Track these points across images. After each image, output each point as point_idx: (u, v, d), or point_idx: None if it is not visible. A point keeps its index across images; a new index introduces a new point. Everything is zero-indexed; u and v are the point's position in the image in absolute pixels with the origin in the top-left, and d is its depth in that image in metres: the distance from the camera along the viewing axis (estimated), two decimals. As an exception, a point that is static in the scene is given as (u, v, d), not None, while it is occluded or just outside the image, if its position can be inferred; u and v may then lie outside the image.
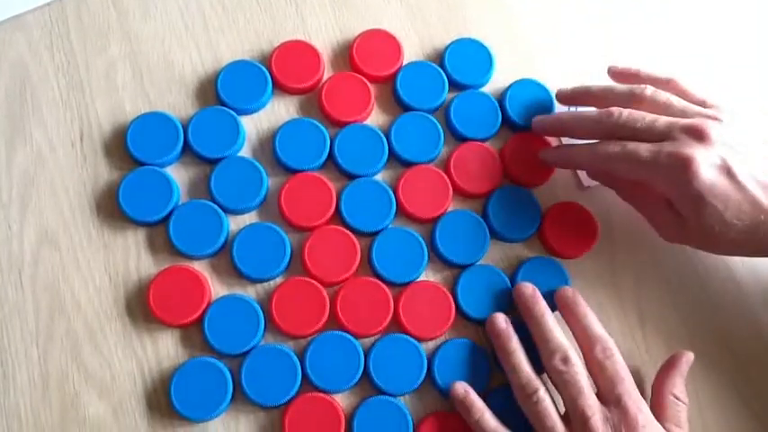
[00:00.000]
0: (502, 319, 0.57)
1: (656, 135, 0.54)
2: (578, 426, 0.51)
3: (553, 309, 0.59)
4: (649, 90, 0.57)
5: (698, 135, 0.52)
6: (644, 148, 0.53)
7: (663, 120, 0.54)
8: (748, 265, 0.63)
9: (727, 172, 0.52)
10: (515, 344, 0.55)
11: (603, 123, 0.56)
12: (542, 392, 0.53)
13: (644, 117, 0.55)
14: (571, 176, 0.65)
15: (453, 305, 0.58)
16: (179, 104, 0.63)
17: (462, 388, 0.55)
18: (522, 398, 0.53)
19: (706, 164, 0.52)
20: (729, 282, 0.62)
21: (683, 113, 0.55)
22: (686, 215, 0.54)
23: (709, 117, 0.54)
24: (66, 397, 0.55)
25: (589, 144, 0.58)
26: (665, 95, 0.57)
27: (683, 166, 0.52)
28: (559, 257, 0.61)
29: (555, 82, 0.66)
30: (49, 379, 0.55)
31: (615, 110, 0.56)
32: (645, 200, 0.59)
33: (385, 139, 0.62)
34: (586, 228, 0.62)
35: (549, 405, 0.52)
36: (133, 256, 0.59)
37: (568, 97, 0.63)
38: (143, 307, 0.57)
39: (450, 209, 0.62)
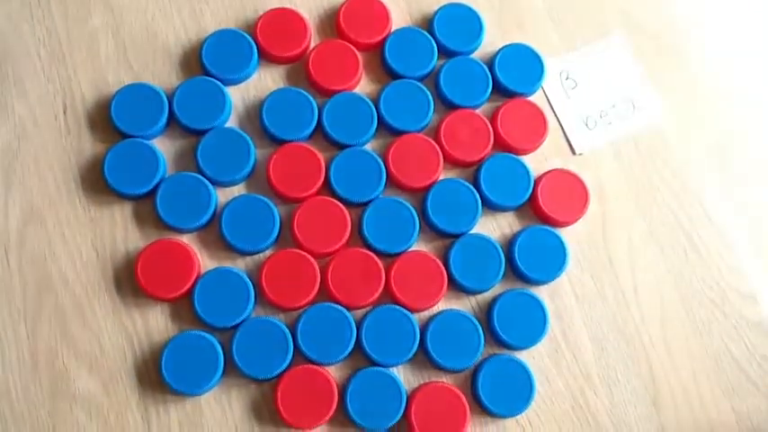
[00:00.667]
0: None
1: None
2: None
3: (543, 281, 0.59)
4: None
5: None
6: None
7: None
8: (741, 226, 0.62)
9: None
10: None
11: None
12: None
13: None
14: (563, 143, 0.64)
15: (446, 275, 0.58)
16: (163, 75, 0.62)
17: None
18: None
19: None
20: (722, 246, 0.62)
21: None
22: None
23: None
24: (56, 373, 0.54)
25: None
26: None
27: None
28: (552, 225, 0.60)
29: (545, 46, 0.65)
30: (38, 355, 0.54)
31: None
32: None
33: (374, 108, 0.61)
34: (578, 194, 0.61)
35: None
36: (120, 230, 0.58)
37: None
38: (131, 281, 0.56)
39: (441, 178, 0.61)
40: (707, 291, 0.61)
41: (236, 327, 0.55)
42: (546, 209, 0.60)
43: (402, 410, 0.54)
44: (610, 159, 0.64)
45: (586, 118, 0.65)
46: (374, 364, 0.56)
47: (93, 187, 0.59)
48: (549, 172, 0.62)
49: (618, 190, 0.63)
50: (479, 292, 0.59)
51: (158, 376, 0.54)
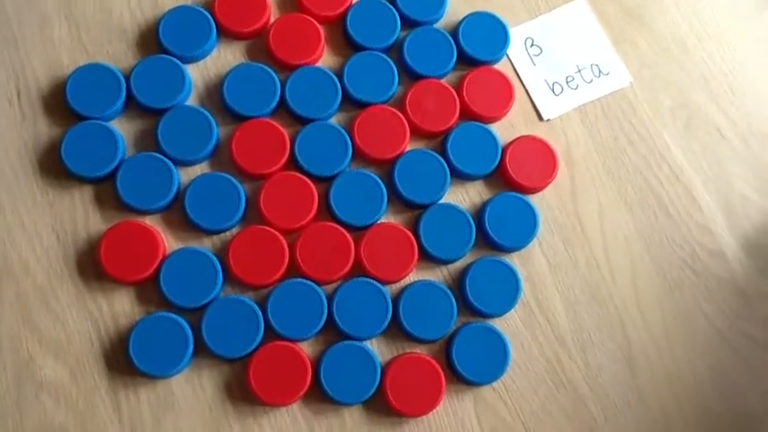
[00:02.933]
0: None
1: None
2: None
3: (515, 248, 0.58)
4: None
5: None
6: None
7: None
8: (707, 185, 0.63)
9: None
10: None
11: None
12: None
13: None
14: (530, 109, 0.63)
15: (416, 246, 0.57)
16: (119, 55, 0.60)
17: None
18: None
19: None
20: (691, 205, 0.62)
21: None
22: None
23: None
24: (21, 361, 0.53)
25: None
26: None
27: None
28: (521, 192, 0.60)
29: (509, 14, 0.65)
30: (1, 344, 0.53)
31: None
32: None
33: (338, 81, 0.60)
34: (547, 160, 0.61)
35: None
36: (81, 213, 0.56)
37: None
38: (95, 265, 0.55)
39: (408, 149, 0.60)
40: (677, 250, 0.61)
41: (204, 307, 0.54)
42: (515, 176, 0.60)
43: (377, 383, 0.54)
44: (577, 124, 0.63)
45: (552, 84, 0.65)
46: (347, 337, 0.55)
47: (52, 172, 0.57)
48: (517, 139, 0.61)
49: (586, 154, 0.62)
50: (451, 262, 0.58)
51: (127, 360, 0.53)
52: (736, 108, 0.65)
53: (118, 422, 0.53)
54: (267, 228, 0.56)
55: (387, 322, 0.55)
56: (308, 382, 0.53)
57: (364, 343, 0.55)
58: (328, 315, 0.55)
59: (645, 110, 0.64)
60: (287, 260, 0.55)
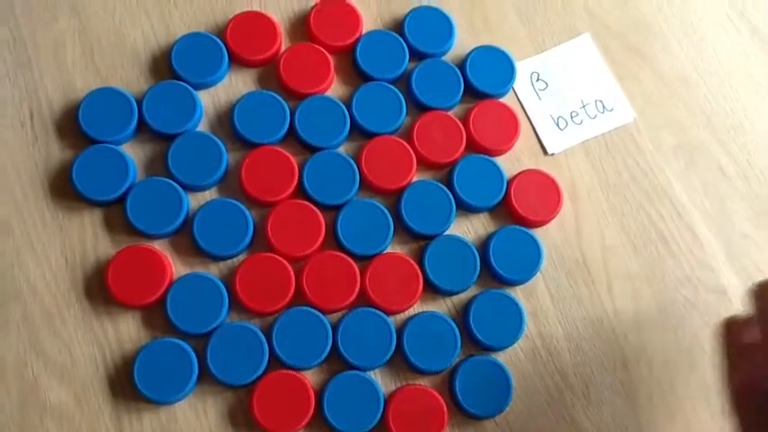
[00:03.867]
0: None
1: None
2: None
3: (519, 281, 0.59)
4: None
5: None
6: None
7: None
8: (709, 222, 0.63)
9: None
10: None
11: None
12: None
13: None
14: (535, 143, 0.64)
15: (421, 277, 0.58)
16: (132, 80, 0.61)
17: None
18: None
19: None
20: (693, 242, 0.63)
21: None
22: None
23: None
24: (25, 384, 0.53)
25: None
26: None
27: None
28: (526, 225, 0.61)
29: (516, 48, 0.66)
30: (6, 366, 0.53)
31: None
32: None
33: (346, 111, 0.61)
34: (551, 194, 0.61)
35: None
36: (90, 236, 0.57)
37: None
38: (102, 289, 0.55)
39: (414, 179, 0.61)
40: (679, 287, 0.61)
41: (210, 333, 0.54)
42: (520, 209, 0.60)
43: (380, 414, 0.54)
44: (581, 159, 0.64)
45: (557, 119, 0.65)
46: (351, 367, 0.55)
47: (62, 194, 0.58)
48: (522, 172, 0.62)
49: (590, 189, 0.63)
50: (455, 294, 0.59)
51: (131, 385, 0.53)
52: (738, 146, 0.66)
53: (119, 446, 0.53)
54: (274, 255, 0.56)
55: (391, 353, 0.55)
56: (311, 412, 0.53)
57: (368, 373, 0.55)
58: (333, 344, 0.55)
59: (648, 146, 0.65)
60: (293, 288, 0.56)
